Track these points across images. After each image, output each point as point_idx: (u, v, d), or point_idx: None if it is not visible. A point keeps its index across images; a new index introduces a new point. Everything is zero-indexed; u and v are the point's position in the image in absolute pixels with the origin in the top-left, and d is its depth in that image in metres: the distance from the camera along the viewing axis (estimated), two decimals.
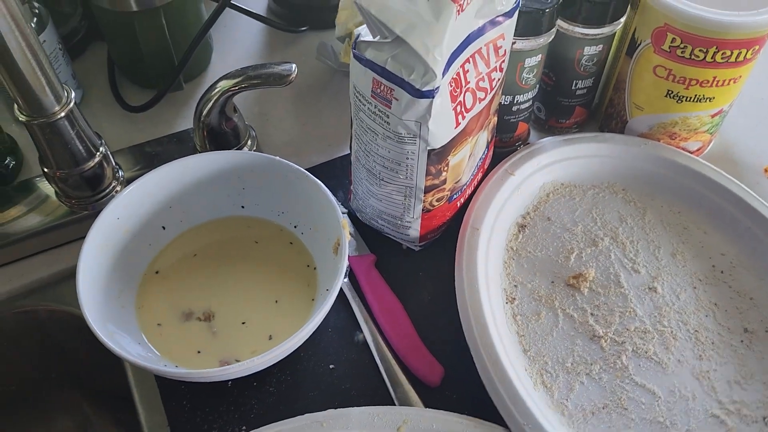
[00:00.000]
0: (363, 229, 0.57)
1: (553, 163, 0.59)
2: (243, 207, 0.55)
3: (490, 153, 0.59)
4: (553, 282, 0.53)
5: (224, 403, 0.47)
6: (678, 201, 0.59)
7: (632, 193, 0.59)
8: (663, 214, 0.58)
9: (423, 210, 0.52)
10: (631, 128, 0.62)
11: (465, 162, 0.52)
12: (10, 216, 0.54)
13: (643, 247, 0.56)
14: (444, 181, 0.50)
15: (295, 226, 0.54)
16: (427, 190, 0.50)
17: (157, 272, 0.52)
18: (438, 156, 0.48)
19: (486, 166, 0.58)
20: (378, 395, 0.48)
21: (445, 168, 0.49)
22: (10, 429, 0.61)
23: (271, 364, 0.45)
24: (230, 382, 0.48)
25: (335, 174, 0.62)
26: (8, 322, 0.53)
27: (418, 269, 0.55)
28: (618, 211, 0.58)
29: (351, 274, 0.54)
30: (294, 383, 0.49)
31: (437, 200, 0.51)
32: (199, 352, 0.47)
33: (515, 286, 0.53)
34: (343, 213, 0.57)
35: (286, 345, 0.42)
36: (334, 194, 0.50)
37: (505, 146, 0.62)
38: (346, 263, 0.46)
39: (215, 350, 0.48)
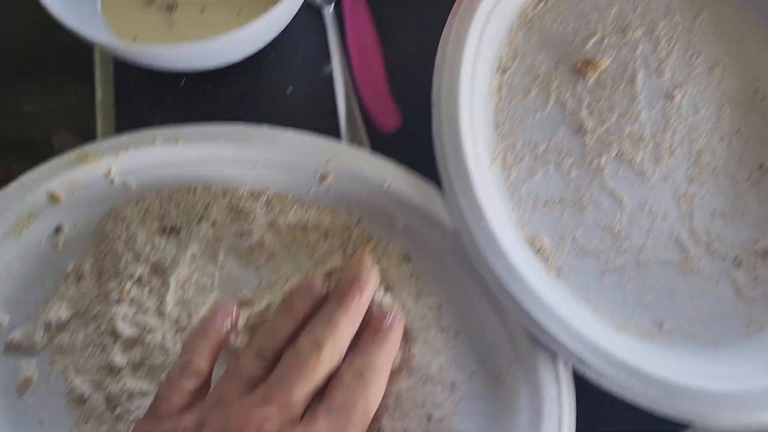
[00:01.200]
0: None
1: None
2: None
3: None
4: (558, 62, 0.47)
5: (173, 97, 0.46)
6: (748, 9, 0.48)
7: None
8: (721, 20, 0.48)
9: None
10: None
11: None
12: None
13: (679, 50, 0.47)
14: None
15: None
16: None
17: None
18: None
19: None
20: (328, 130, 0.45)
21: None
22: None
23: (224, 59, 0.42)
24: (183, 80, 0.46)
25: None
26: None
27: (413, 11, 0.49)
28: (668, 2, 0.48)
29: (339, 2, 0.49)
30: (247, 94, 0.47)
31: None
32: (154, 39, 0.45)
33: (514, 56, 0.47)
34: None
35: (239, 33, 0.39)
36: None
37: None
38: None
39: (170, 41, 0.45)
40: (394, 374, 0.38)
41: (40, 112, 0.65)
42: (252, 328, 0.40)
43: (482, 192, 0.40)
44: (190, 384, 0.32)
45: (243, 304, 0.41)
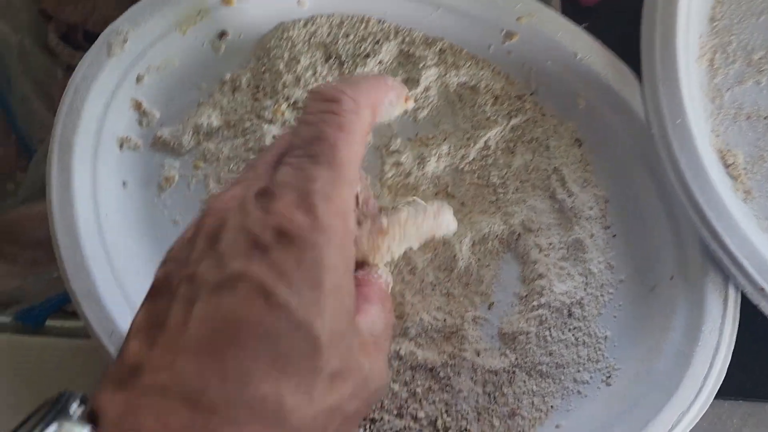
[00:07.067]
0: None
1: None
2: None
3: None
4: None
5: None
6: None
7: None
8: None
9: None
10: None
11: None
12: None
13: None
14: None
15: None
16: None
17: None
18: None
19: None
20: None
21: None
22: None
23: None
24: None
25: None
26: None
27: None
28: None
29: None
30: None
31: None
32: None
33: None
34: None
35: None
36: None
37: None
38: None
39: None
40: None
41: None
42: (391, 188, 0.38)
43: (685, 87, 0.36)
44: None
45: (390, 153, 0.38)
